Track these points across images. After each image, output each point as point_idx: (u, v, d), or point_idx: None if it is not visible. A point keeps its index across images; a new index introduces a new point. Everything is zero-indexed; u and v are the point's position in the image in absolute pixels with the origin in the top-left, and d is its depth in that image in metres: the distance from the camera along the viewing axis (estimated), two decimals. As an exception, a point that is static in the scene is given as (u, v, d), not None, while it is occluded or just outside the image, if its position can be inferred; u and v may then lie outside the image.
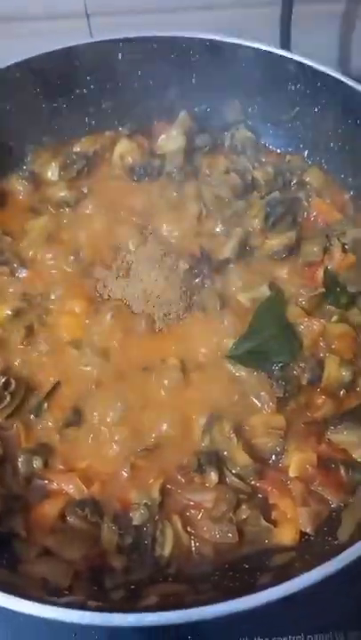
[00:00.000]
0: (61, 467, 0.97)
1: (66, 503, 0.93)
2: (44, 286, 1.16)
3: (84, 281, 1.17)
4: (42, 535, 0.90)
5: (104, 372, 1.05)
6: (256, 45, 1.31)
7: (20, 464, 0.96)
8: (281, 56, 1.31)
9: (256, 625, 0.88)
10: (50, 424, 1.01)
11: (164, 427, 1.00)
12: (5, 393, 1.00)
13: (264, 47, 1.31)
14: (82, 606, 0.73)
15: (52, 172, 1.34)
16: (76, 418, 1.01)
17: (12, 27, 1.61)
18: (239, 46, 1.32)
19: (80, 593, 0.82)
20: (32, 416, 1.01)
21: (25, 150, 1.37)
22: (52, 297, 1.14)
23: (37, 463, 0.96)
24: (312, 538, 0.89)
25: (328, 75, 1.25)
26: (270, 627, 0.89)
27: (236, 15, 1.60)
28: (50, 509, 0.93)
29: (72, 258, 1.20)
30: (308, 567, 0.73)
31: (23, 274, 1.17)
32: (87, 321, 1.11)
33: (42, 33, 1.56)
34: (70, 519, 0.91)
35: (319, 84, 1.27)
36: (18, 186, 1.32)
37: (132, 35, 1.33)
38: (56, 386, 1.04)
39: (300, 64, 1.28)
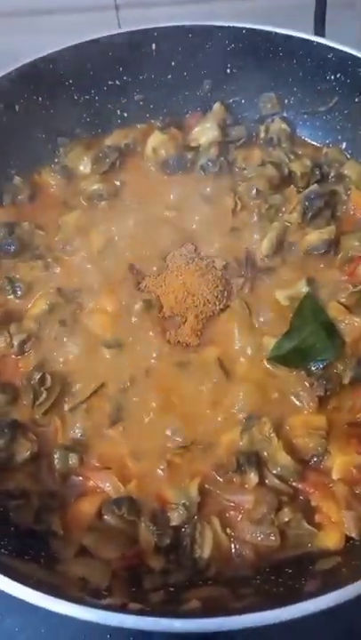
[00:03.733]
0: (97, 464, 0.96)
1: (103, 501, 0.91)
2: (78, 282, 1.14)
3: (118, 277, 1.15)
4: (79, 533, 0.89)
5: (137, 369, 1.04)
6: (293, 33, 1.28)
7: (55, 460, 0.95)
8: (319, 44, 1.27)
9: (297, 634, 0.84)
10: (89, 421, 0.99)
11: (202, 424, 0.98)
12: (42, 389, 0.99)
13: (302, 35, 1.28)
14: (124, 609, 0.71)
15: (84, 166, 1.32)
16: (116, 415, 0.99)
17: (41, 20, 1.61)
18: (275, 34, 1.29)
19: (119, 594, 0.80)
20: (69, 412, 1.00)
21: (57, 143, 1.35)
22: (85, 293, 1.13)
23: (73, 460, 0.95)
24: (357, 543, 0.86)
25: (370, 62, 1.21)
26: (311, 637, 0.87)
27: (267, 4, 1.57)
28: (87, 507, 0.91)
29: (105, 253, 1.18)
30: (358, 573, 0.70)
31: (57, 269, 1.16)
32: (119, 318, 1.09)
33: (71, 26, 1.53)
34: (107, 517, 0.89)
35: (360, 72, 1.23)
36: (50, 179, 1.31)
37: (165, 24, 1.31)
38: (100, 386, 1.01)
39: (340, 51, 1.24)
